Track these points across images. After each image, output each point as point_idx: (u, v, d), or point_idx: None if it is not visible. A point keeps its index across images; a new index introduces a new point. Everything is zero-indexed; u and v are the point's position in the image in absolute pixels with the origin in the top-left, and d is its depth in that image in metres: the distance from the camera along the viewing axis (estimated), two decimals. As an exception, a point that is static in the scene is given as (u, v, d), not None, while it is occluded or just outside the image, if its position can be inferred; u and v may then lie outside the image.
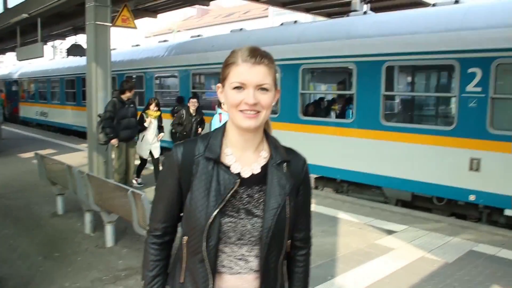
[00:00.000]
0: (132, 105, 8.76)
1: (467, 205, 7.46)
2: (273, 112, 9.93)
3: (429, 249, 5.81)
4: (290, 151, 1.73)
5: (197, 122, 9.88)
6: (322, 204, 7.96)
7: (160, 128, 9.47)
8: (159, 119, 9.44)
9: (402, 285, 4.75)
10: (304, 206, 1.74)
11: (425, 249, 5.79)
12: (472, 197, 7.18)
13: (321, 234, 6.32)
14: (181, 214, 1.69)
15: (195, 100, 9.96)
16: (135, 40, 22.05)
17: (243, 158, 1.63)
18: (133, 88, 8.77)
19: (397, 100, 9.86)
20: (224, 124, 1.68)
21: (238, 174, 1.60)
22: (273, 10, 38.57)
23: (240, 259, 1.57)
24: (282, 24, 11.29)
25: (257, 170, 1.63)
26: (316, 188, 9.91)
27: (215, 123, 8.22)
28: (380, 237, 6.29)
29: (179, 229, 1.72)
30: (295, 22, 10.92)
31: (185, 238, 1.61)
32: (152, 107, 9.23)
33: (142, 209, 4.76)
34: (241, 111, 1.53)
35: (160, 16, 16.08)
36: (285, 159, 1.65)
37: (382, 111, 8.22)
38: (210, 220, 1.52)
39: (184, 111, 9.81)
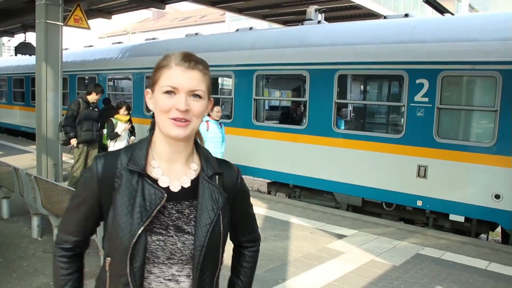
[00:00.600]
0: (96, 109, 8.71)
1: (414, 210, 7.73)
2: (227, 117, 9.97)
3: (378, 252, 5.98)
4: (222, 162, 1.64)
5: None
6: (274, 209, 8.04)
7: (131, 132, 9.20)
8: (129, 123, 9.11)
9: (351, 288, 4.88)
10: (244, 215, 1.72)
11: (374, 253, 5.96)
12: (419, 203, 7.46)
13: (273, 239, 6.39)
14: (96, 229, 1.57)
15: None
16: (88, 41, 21.58)
17: (172, 171, 1.51)
18: (99, 93, 8.69)
19: (349, 108, 10.11)
20: (151, 134, 1.55)
21: (166, 188, 1.48)
22: (230, 15, 38.72)
23: (170, 279, 1.45)
24: (237, 30, 11.36)
25: (186, 183, 1.51)
26: (269, 193, 10.00)
27: (202, 132, 7.93)
28: (330, 241, 6.42)
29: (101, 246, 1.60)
30: (251, 28, 11.02)
31: (108, 259, 1.47)
32: (122, 111, 8.93)
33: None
34: (171, 118, 1.42)
35: (115, 17, 15.82)
36: (217, 172, 1.56)
37: (334, 119, 8.40)
38: (134, 239, 1.38)
39: None
